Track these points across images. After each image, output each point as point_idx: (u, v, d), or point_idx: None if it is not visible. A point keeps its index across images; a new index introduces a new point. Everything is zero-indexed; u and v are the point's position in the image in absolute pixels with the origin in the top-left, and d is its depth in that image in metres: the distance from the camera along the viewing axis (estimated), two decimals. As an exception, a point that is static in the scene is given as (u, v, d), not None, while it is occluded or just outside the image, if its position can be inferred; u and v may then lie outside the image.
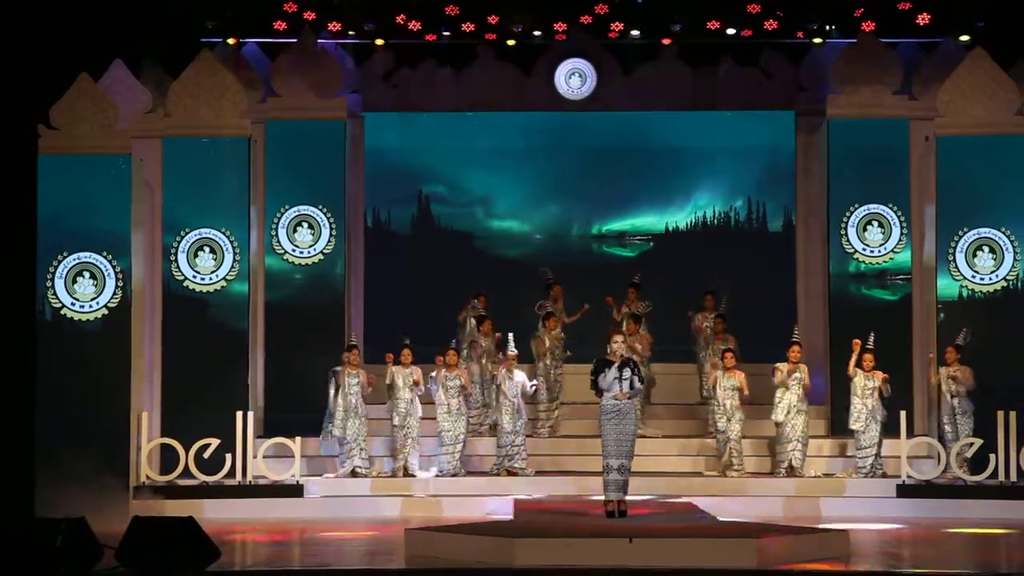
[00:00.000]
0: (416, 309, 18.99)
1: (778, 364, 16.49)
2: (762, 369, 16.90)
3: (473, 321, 17.96)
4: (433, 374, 16.52)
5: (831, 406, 17.63)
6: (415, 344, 16.66)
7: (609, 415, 13.54)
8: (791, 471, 16.34)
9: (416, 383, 16.46)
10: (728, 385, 16.49)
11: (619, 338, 13.88)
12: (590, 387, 13.63)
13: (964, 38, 17.63)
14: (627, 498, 13.63)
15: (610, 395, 13.53)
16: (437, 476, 16.41)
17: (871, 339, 16.35)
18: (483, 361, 17.67)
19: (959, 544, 13.81)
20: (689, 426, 17.84)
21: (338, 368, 16.64)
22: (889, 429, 16.31)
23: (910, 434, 16.29)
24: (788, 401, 16.38)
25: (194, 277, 17.10)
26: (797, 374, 16.40)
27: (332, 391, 16.60)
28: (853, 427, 16.37)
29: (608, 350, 13.76)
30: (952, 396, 16.38)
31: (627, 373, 13.51)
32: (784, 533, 12.65)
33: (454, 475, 16.38)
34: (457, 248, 19.69)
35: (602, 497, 13.75)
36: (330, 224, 17.84)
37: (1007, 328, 17.03)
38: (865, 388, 16.30)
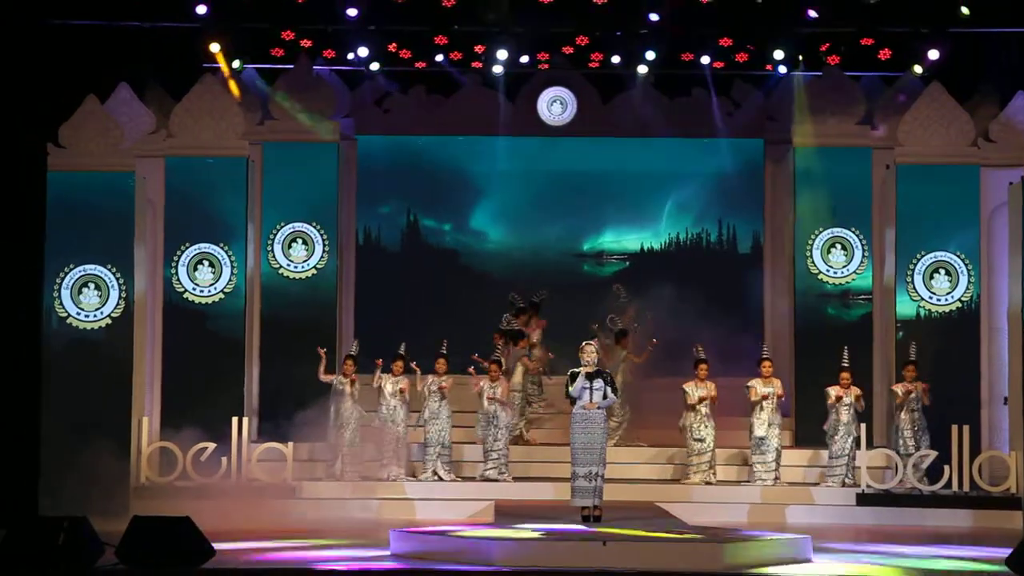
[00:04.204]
0: (405, 322, 18.85)
1: (751, 382, 16.38)
2: (732, 383, 16.81)
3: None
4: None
5: (795, 418, 17.62)
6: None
7: (577, 423, 13.46)
8: (775, 481, 16.27)
9: (402, 391, 16.38)
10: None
11: (589, 348, 13.71)
12: (564, 396, 13.56)
13: (917, 69, 17.67)
14: (602, 503, 13.47)
15: (580, 404, 13.45)
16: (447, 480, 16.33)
17: (846, 356, 16.32)
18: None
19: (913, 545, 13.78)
20: (660, 435, 17.74)
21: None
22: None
23: (870, 446, 16.29)
24: (766, 416, 16.30)
25: (193, 289, 17.10)
26: (770, 388, 16.35)
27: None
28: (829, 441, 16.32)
29: (583, 361, 13.67)
30: (912, 411, 16.34)
31: (599, 383, 13.42)
32: (749, 538, 12.65)
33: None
34: (443, 264, 19.62)
35: (579, 503, 13.55)
36: (323, 241, 17.82)
37: (961, 347, 17.10)
38: (842, 403, 16.26)
